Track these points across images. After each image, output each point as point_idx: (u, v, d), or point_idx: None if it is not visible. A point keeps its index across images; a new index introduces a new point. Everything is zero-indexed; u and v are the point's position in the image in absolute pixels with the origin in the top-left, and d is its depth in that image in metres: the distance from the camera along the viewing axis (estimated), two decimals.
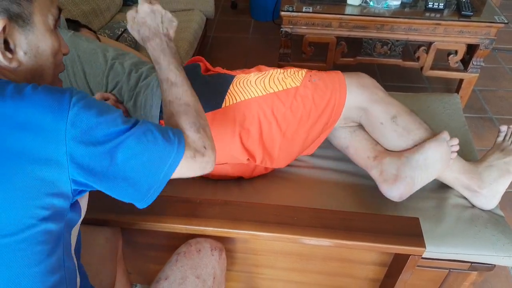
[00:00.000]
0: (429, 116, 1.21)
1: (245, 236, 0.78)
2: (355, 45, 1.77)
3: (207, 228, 0.76)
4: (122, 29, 1.59)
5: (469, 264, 0.91)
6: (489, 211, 0.97)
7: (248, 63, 2.21)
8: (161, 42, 0.75)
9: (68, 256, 0.58)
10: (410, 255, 0.73)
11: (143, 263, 0.97)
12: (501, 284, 1.28)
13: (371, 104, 0.97)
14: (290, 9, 1.62)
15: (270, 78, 0.98)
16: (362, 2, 1.65)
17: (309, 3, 1.66)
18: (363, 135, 1.02)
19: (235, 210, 0.78)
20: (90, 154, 0.52)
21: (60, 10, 0.60)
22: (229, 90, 0.95)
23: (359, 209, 0.97)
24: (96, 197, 0.66)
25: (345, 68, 1.73)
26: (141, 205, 0.59)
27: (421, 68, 1.78)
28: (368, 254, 0.82)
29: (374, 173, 0.97)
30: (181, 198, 0.81)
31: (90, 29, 1.34)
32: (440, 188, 1.02)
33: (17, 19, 0.54)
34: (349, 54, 1.78)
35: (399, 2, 1.64)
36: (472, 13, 1.58)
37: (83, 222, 0.63)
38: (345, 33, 1.66)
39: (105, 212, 0.78)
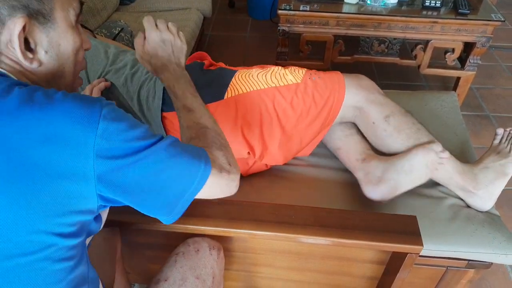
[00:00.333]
0: (427, 114, 1.21)
1: (243, 235, 0.78)
2: (352, 44, 1.77)
3: (205, 228, 0.76)
4: (119, 28, 1.59)
5: (466, 262, 0.92)
6: (485, 211, 0.98)
7: (246, 62, 2.21)
8: (174, 72, 0.74)
9: (90, 267, 0.56)
10: (408, 253, 0.73)
11: (142, 262, 0.97)
12: (498, 281, 1.29)
13: (367, 104, 0.98)
14: (288, 7, 1.62)
15: (271, 73, 0.99)
16: (359, 1, 1.65)
17: (306, 1, 1.65)
18: (357, 139, 1.03)
19: (233, 209, 0.78)
20: (118, 168, 0.49)
21: (82, 4, 0.58)
22: (231, 83, 0.96)
23: (356, 208, 0.98)
24: None
25: (343, 67, 1.74)
26: (167, 220, 0.57)
27: (418, 66, 1.78)
28: (366, 252, 0.82)
29: (359, 175, 0.98)
30: None
31: (86, 28, 1.33)
32: (437, 186, 1.02)
33: (38, 16, 0.51)
34: (346, 53, 1.78)
35: (396, 1, 1.64)
36: (469, 11, 1.58)
37: None
38: (342, 31, 1.66)
39: None
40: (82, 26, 1.33)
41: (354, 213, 0.79)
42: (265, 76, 0.98)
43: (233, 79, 0.97)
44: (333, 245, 0.76)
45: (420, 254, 0.73)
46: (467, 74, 1.76)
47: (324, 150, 1.10)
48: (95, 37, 1.32)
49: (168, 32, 0.77)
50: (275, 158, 1.00)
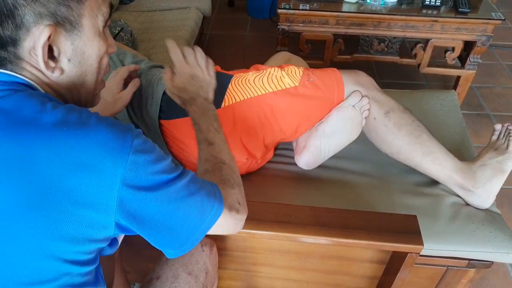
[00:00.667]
0: (426, 113, 1.21)
1: (242, 234, 0.77)
2: (352, 43, 1.77)
3: None
4: (119, 28, 1.58)
5: (467, 261, 0.91)
6: (485, 209, 0.97)
7: (245, 61, 2.21)
8: (201, 105, 0.75)
9: (101, 281, 0.55)
10: (408, 252, 0.73)
11: (141, 261, 0.96)
12: (499, 281, 1.29)
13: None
14: (287, 6, 1.61)
15: (268, 77, 0.97)
16: (359, 0, 1.65)
17: (306, 0, 1.65)
18: None
19: None
20: (140, 200, 0.49)
21: (111, 8, 0.56)
22: (228, 90, 0.95)
23: (356, 207, 0.97)
24: None
25: (343, 65, 1.73)
26: (173, 254, 0.57)
27: (418, 65, 1.77)
28: (366, 252, 0.82)
29: (294, 147, 1.04)
30: None
31: None
32: (437, 186, 1.02)
33: (64, 23, 0.48)
34: (346, 52, 1.77)
35: None
36: (469, 10, 1.58)
37: None
38: (342, 30, 1.66)
39: None
40: None
41: (354, 212, 0.78)
42: (262, 80, 0.96)
43: (229, 86, 0.95)
44: (333, 244, 0.76)
45: (421, 253, 0.73)
46: (467, 73, 1.76)
47: None
48: None
49: (198, 67, 0.79)
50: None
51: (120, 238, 0.61)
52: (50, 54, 0.49)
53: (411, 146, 0.96)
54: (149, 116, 0.95)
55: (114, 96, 0.89)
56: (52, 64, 0.50)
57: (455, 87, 1.82)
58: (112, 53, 0.59)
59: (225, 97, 0.94)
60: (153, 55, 1.59)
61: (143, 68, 1.02)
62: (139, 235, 0.54)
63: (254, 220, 0.75)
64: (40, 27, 0.46)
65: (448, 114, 1.23)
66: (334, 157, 1.09)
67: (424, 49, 1.71)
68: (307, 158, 0.99)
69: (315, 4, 1.63)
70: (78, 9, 0.49)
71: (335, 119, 0.95)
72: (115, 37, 1.56)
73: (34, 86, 0.50)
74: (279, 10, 1.62)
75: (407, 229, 0.74)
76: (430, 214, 0.94)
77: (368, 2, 1.64)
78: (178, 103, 0.79)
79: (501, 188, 0.97)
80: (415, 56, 1.75)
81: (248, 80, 0.97)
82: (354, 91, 0.96)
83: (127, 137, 0.48)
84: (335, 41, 1.72)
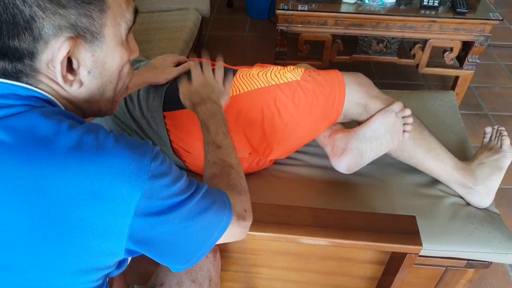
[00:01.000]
0: (425, 114, 1.21)
1: None
2: (350, 43, 1.77)
3: None
4: None
5: (466, 261, 0.91)
6: (484, 209, 0.98)
7: (244, 61, 2.21)
8: (211, 107, 0.75)
9: None
10: (407, 253, 0.73)
11: (140, 264, 0.96)
12: (498, 281, 1.29)
13: (371, 99, 0.98)
14: (286, 7, 1.61)
15: (271, 72, 0.99)
16: (357, 0, 1.65)
17: (305, 1, 1.65)
18: None
19: None
20: (152, 226, 0.47)
21: (136, 13, 0.52)
22: (232, 82, 0.96)
23: (355, 208, 0.98)
24: None
25: (341, 66, 1.73)
26: (180, 269, 0.55)
27: (417, 66, 1.78)
28: (365, 252, 0.82)
29: (328, 150, 1.01)
30: None
31: None
32: (436, 186, 1.02)
33: (85, 34, 0.45)
34: (345, 52, 1.78)
35: (394, 0, 1.64)
36: (467, 10, 1.58)
37: None
38: (340, 31, 1.66)
39: None
40: None
41: (353, 213, 0.79)
42: (265, 74, 0.98)
43: (234, 79, 0.97)
44: (332, 245, 0.76)
45: (420, 254, 0.73)
46: (465, 73, 1.76)
47: (322, 150, 1.10)
48: None
49: (213, 77, 0.81)
50: (277, 154, 1.01)
51: (129, 258, 0.60)
52: (69, 66, 0.46)
53: (415, 141, 0.97)
54: (153, 109, 0.96)
55: (164, 68, 0.94)
56: (70, 77, 0.47)
57: (453, 87, 1.82)
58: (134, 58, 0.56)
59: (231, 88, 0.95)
60: (152, 56, 1.59)
61: (140, 67, 1.03)
62: None
63: (253, 221, 0.75)
64: (59, 40, 0.43)
65: (447, 115, 1.23)
66: None
67: (422, 50, 1.71)
68: (349, 161, 0.96)
69: (313, 5, 1.63)
70: (100, 18, 0.46)
71: (377, 124, 0.94)
72: None
73: (51, 100, 0.48)
74: (278, 11, 1.62)
75: (406, 229, 0.74)
76: (429, 214, 0.95)
77: (366, 3, 1.64)
78: (188, 106, 0.80)
79: (500, 188, 0.98)
80: (413, 56, 1.75)
81: (252, 74, 0.99)
82: (397, 102, 0.96)
83: (145, 161, 0.45)
84: (334, 41, 1.72)
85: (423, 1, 1.61)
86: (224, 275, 0.93)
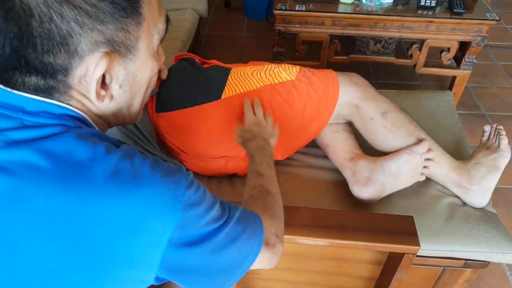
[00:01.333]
0: (422, 114, 1.21)
1: None
2: (348, 43, 1.77)
3: None
4: None
5: (464, 261, 0.92)
6: (481, 208, 0.98)
7: (242, 61, 2.20)
8: (261, 143, 0.79)
9: None
10: (405, 253, 0.73)
11: None
12: (495, 280, 1.30)
13: (364, 100, 0.98)
14: (283, 7, 1.61)
15: (265, 71, 0.99)
16: (355, 0, 1.65)
17: (302, 1, 1.65)
18: (345, 137, 1.03)
19: None
20: (184, 257, 0.46)
21: (167, 21, 0.50)
22: (228, 81, 0.96)
23: (353, 208, 0.98)
24: None
25: (339, 66, 1.73)
26: None
27: (414, 66, 1.78)
28: (363, 253, 0.82)
29: (347, 173, 0.98)
30: None
31: None
32: (433, 186, 1.02)
33: (120, 48, 0.43)
34: (342, 52, 1.78)
35: (391, 0, 1.64)
36: (463, 11, 1.58)
37: None
38: (338, 31, 1.66)
39: None
40: None
41: (351, 213, 0.79)
42: (260, 73, 0.98)
43: (229, 77, 0.97)
44: (330, 245, 0.76)
45: (417, 254, 0.73)
46: (462, 73, 1.77)
47: (321, 151, 1.10)
48: None
49: (263, 119, 0.87)
50: (274, 155, 1.01)
51: None
52: (102, 82, 0.45)
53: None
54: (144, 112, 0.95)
55: None
56: (103, 92, 0.45)
57: (450, 88, 1.83)
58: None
59: (226, 88, 0.96)
60: None
61: None
62: None
63: None
64: (95, 55, 0.42)
65: (444, 115, 1.23)
66: None
67: (419, 50, 1.72)
68: (373, 192, 0.94)
69: (311, 5, 1.63)
70: (135, 32, 0.44)
71: (402, 161, 0.94)
72: None
73: (84, 118, 0.46)
74: (275, 11, 1.62)
75: (404, 230, 0.74)
76: (427, 214, 0.95)
77: (364, 3, 1.64)
78: (239, 143, 0.84)
79: (496, 188, 0.98)
80: (411, 56, 1.76)
81: (246, 73, 0.98)
82: (423, 140, 0.95)
83: (180, 190, 0.44)
84: (332, 41, 1.72)
85: (420, 1, 1.61)
86: None
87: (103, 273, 0.42)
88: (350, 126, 1.05)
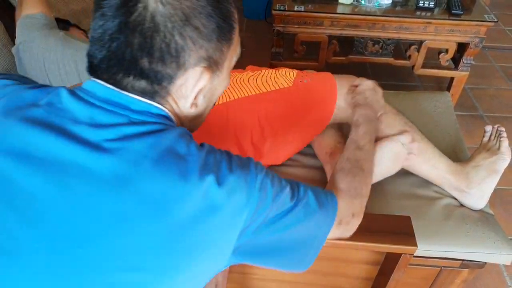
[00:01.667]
0: (420, 115, 1.21)
1: None
2: (347, 44, 1.77)
3: None
4: None
5: (460, 261, 0.92)
6: (479, 209, 0.98)
7: (241, 62, 2.20)
8: (370, 114, 0.79)
9: None
10: (402, 253, 0.73)
11: None
12: (492, 281, 1.30)
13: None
14: (282, 8, 1.61)
15: (262, 77, 0.98)
16: (353, 1, 1.65)
17: (301, 2, 1.65)
18: (330, 133, 1.03)
19: None
20: (256, 239, 0.51)
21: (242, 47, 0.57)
22: None
23: None
24: None
25: (337, 67, 1.73)
26: (298, 271, 0.60)
27: (413, 67, 1.78)
28: (360, 253, 0.82)
29: (327, 168, 0.99)
30: None
31: (79, 28, 1.32)
32: (431, 187, 1.02)
33: (213, 65, 0.50)
34: (341, 53, 1.78)
35: (390, 1, 1.64)
36: (462, 12, 1.59)
37: None
38: (336, 32, 1.66)
39: None
40: (76, 26, 1.32)
41: None
42: (256, 80, 0.97)
43: None
44: (327, 245, 0.76)
45: (414, 254, 0.73)
46: (460, 75, 1.77)
47: None
48: (88, 37, 1.31)
49: (381, 90, 0.88)
50: (269, 160, 1.00)
51: None
52: None
53: None
54: None
55: None
56: (194, 101, 0.52)
57: (448, 89, 1.83)
58: None
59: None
60: None
61: None
62: None
63: None
64: (196, 69, 0.48)
65: (442, 116, 1.24)
66: None
67: (418, 51, 1.72)
68: None
69: (310, 6, 1.63)
70: (226, 52, 0.51)
71: (383, 149, 0.93)
72: None
73: (172, 119, 0.52)
74: (274, 12, 1.62)
75: (401, 230, 0.74)
76: (424, 215, 0.95)
77: (362, 4, 1.64)
78: (350, 103, 0.83)
79: (494, 189, 0.98)
80: (409, 57, 1.76)
81: (243, 79, 0.97)
82: (405, 132, 0.95)
83: (253, 176, 0.50)
84: (330, 42, 1.72)
85: (418, 3, 1.62)
86: None
87: (192, 258, 0.46)
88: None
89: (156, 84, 0.48)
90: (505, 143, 0.99)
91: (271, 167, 1.08)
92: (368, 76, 0.99)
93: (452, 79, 1.81)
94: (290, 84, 0.97)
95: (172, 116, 0.51)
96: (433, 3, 1.61)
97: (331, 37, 1.71)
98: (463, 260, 0.92)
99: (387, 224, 0.76)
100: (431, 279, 0.99)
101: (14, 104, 0.47)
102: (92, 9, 0.48)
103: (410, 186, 1.03)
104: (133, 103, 0.47)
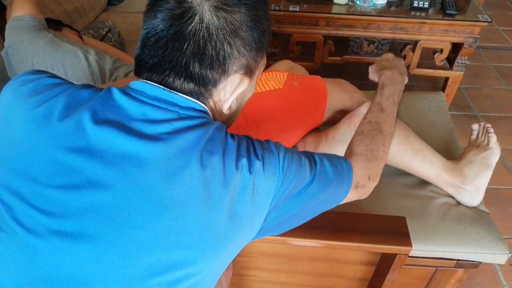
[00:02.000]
0: (415, 115, 1.22)
1: None
2: (342, 44, 1.77)
3: None
4: (107, 29, 1.57)
5: (455, 261, 0.92)
6: (474, 208, 0.98)
7: None
8: (396, 76, 0.82)
9: None
10: (397, 254, 0.73)
11: None
12: (487, 280, 1.30)
13: (350, 107, 0.99)
14: (277, 8, 1.61)
15: None
16: (348, 1, 1.65)
17: (296, 2, 1.65)
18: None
19: None
20: (281, 214, 0.57)
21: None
22: None
23: (345, 209, 0.97)
24: None
25: (333, 67, 1.74)
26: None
27: (408, 67, 1.79)
28: (355, 254, 0.82)
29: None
30: None
31: (72, 28, 1.31)
32: (426, 187, 1.02)
33: (248, 73, 0.56)
34: (336, 53, 1.78)
35: (385, 1, 1.64)
36: (456, 12, 1.59)
37: None
38: (332, 32, 1.66)
39: None
40: (69, 27, 1.31)
41: (343, 214, 0.78)
42: None
43: None
44: (322, 247, 0.76)
45: (410, 254, 0.73)
46: (455, 74, 1.78)
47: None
48: (82, 38, 1.30)
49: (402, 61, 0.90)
50: None
51: None
52: None
53: (401, 146, 0.97)
54: None
55: None
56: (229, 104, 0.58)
57: (443, 88, 1.84)
58: None
59: None
60: None
61: (120, 74, 1.02)
62: None
63: None
64: (235, 75, 0.54)
65: (437, 116, 1.24)
66: None
67: (413, 51, 1.72)
68: None
69: (305, 6, 1.63)
70: (259, 63, 0.57)
71: (345, 126, 0.94)
72: (102, 38, 1.54)
73: (210, 116, 0.57)
74: (269, 11, 1.61)
75: (396, 230, 0.74)
76: (420, 215, 0.95)
77: (357, 4, 1.65)
78: (376, 69, 0.85)
79: (489, 188, 0.98)
80: (404, 57, 1.76)
81: None
82: (365, 102, 0.95)
83: (276, 155, 0.55)
84: (325, 42, 1.72)
85: (413, 3, 1.62)
86: None
87: (228, 238, 0.51)
88: None
89: (202, 86, 0.53)
90: (493, 138, 1.01)
91: None
92: (363, 76, 0.99)
93: (447, 79, 1.81)
94: (281, 86, 0.97)
95: (210, 114, 0.57)
96: (427, 3, 1.61)
97: (326, 37, 1.71)
98: (458, 260, 0.92)
99: (382, 225, 0.76)
100: (426, 279, 0.99)
101: (74, 101, 0.52)
102: (144, 11, 0.54)
103: (406, 187, 1.03)
104: (180, 101, 0.53)
